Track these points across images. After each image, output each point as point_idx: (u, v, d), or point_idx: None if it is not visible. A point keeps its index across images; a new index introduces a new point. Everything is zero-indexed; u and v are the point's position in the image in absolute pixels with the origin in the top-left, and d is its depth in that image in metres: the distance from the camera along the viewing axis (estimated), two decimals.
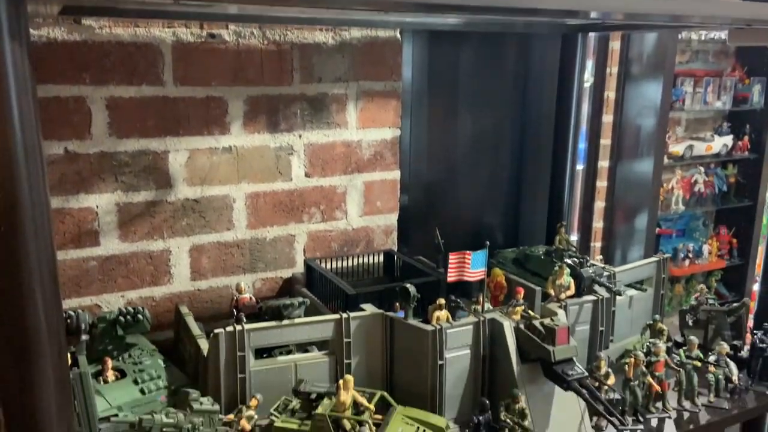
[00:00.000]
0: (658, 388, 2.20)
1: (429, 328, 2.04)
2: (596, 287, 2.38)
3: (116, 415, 1.90)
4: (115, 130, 2.41)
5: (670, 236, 5.03)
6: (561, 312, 2.18)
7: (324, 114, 2.76)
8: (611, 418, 1.92)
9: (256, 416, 1.99)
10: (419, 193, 3.27)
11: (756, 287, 4.79)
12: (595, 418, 2.16)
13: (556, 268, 2.35)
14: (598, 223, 4.89)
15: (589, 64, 4.27)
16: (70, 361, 1.75)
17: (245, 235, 2.72)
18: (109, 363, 2.15)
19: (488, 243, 2.21)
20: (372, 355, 2.16)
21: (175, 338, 2.56)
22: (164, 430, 1.71)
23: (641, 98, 4.44)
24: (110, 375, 2.14)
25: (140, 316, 2.22)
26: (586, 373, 1.98)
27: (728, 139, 4.96)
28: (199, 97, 2.53)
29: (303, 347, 2.22)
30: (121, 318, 2.22)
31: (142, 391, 2.11)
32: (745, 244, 5.18)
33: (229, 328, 2.04)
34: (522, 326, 2.09)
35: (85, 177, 2.40)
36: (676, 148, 4.75)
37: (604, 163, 4.77)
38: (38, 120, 1.21)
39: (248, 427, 1.95)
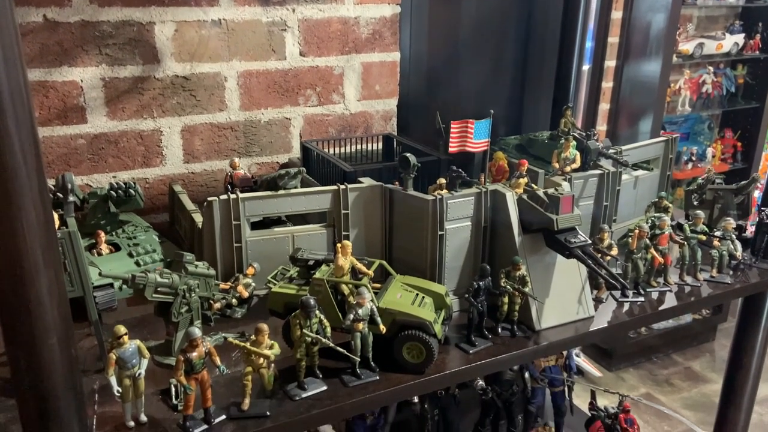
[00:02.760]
0: (661, 259, 2.15)
1: (429, 197, 1.98)
2: (602, 161, 2.30)
3: (111, 285, 1.86)
4: None
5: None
6: (565, 184, 2.12)
7: None
8: (614, 283, 1.88)
9: (253, 284, 1.96)
10: (420, 78, 3.13)
11: (756, 194, 4.73)
12: (595, 291, 2.14)
13: (562, 141, 2.26)
14: (601, 126, 4.77)
15: None
16: (58, 223, 1.69)
17: (239, 116, 2.62)
18: (103, 236, 2.10)
19: (492, 111, 2.11)
20: (371, 227, 2.11)
21: (170, 219, 2.52)
22: (159, 289, 1.67)
23: None
24: (104, 248, 2.09)
25: (132, 191, 2.16)
26: (589, 241, 1.92)
27: (740, 38, 4.77)
28: None
29: (300, 222, 2.17)
30: (113, 192, 2.15)
31: (137, 264, 2.07)
32: (750, 148, 5.09)
33: (224, 197, 1.98)
34: (525, 197, 2.02)
35: (66, 48, 2.27)
36: (686, 47, 4.57)
37: (610, 63, 4.59)
38: None
39: (246, 293, 1.93)
